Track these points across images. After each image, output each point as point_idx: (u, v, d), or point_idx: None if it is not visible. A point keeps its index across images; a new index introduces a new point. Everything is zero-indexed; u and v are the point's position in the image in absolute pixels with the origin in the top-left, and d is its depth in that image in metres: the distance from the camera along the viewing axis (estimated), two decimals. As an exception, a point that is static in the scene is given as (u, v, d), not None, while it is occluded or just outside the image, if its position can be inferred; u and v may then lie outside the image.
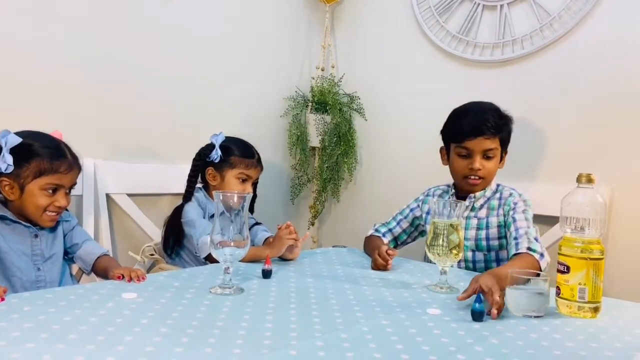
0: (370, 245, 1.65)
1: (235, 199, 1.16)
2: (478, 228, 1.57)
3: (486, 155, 1.54)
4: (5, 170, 1.25)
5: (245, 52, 2.31)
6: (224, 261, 1.15)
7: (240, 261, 1.26)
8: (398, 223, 1.76)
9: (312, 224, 2.57)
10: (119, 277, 1.18)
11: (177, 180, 2.06)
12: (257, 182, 1.81)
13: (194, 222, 1.60)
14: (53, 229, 1.38)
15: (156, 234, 1.95)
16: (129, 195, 1.90)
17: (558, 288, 1.12)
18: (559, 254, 1.12)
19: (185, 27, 2.07)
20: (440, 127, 1.67)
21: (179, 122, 2.08)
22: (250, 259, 1.40)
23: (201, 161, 1.72)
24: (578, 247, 1.09)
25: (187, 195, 1.71)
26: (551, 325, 1.02)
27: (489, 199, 1.59)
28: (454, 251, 1.25)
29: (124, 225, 1.95)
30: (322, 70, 2.54)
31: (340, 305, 1.09)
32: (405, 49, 2.35)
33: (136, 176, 1.93)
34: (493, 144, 1.54)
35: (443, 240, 1.25)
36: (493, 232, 1.55)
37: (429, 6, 2.24)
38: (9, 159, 1.25)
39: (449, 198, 1.64)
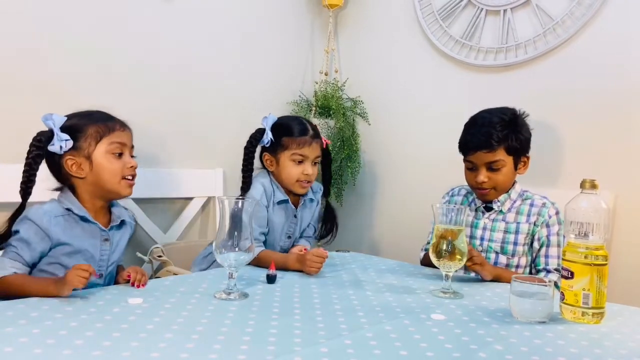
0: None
1: (240, 204, 1.17)
2: (506, 231, 1.56)
3: (491, 167, 1.52)
4: (65, 147, 1.20)
5: (249, 57, 2.32)
6: (229, 266, 1.16)
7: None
8: None
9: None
10: (128, 276, 1.20)
11: (181, 184, 2.07)
12: (328, 161, 1.69)
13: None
14: (122, 233, 1.32)
15: (161, 238, 1.96)
16: (134, 199, 1.91)
17: (562, 294, 1.12)
18: (563, 259, 1.13)
19: (188, 33, 2.08)
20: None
21: (182, 127, 2.09)
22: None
23: (253, 148, 1.59)
24: (582, 252, 1.09)
25: (245, 187, 1.59)
26: (555, 331, 1.02)
27: (515, 201, 1.58)
28: (458, 256, 1.25)
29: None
30: (326, 74, 2.55)
31: (344, 310, 1.10)
32: (409, 54, 2.35)
33: (141, 181, 1.93)
34: (495, 156, 1.50)
35: (447, 246, 1.25)
36: (522, 237, 1.54)
37: (432, 11, 2.25)
38: (64, 135, 1.20)
39: (474, 200, 1.63)
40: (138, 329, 0.92)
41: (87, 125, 1.24)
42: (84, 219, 1.23)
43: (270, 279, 1.31)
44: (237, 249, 1.15)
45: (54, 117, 1.21)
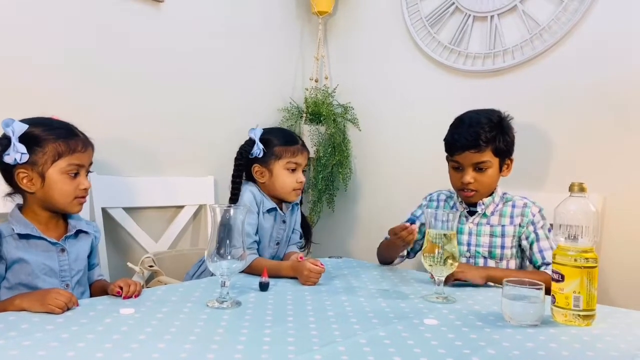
0: (387, 245, 1.66)
1: (231, 211, 1.17)
2: (492, 235, 1.56)
3: (478, 168, 1.53)
4: (20, 161, 1.16)
5: (239, 64, 2.32)
6: (221, 275, 1.16)
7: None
8: None
9: (308, 235, 2.57)
10: (118, 292, 1.17)
11: (172, 193, 2.07)
12: (306, 170, 1.72)
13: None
14: (82, 243, 1.30)
15: (151, 247, 1.95)
16: (125, 209, 1.90)
17: (553, 296, 1.12)
18: (553, 262, 1.13)
19: (178, 39, 2.08)
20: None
21: (173, 135, 2.08)
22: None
23: (243, 159, 1.62)
24: (572, 255, 1.10)
25: (233, 198, 1.61)
26: (547, 334, 1.03)
27: (497, 205, 1.59)
28: (449, 261, 1.26)
29: (120, 238, 1.94)
30: (316, 81, 2.56)
31: (338, 317, 1.10)
32: (398, 60, 2.37)
33: (132, 190, 1.93)
34: (483, 157, 1.52)
35: (439, 251, 1.26)
36: (508, 240, 1.55)
37: (420, 17, 2.27)
38: (22, 148, 1.16)
39: (455, 205, 1.64)
40: (130, 340, 0.91)
41: (47, 140, 1.20)
42: (27, 236, 1.20)
43: (263, 287, 1.31)
44: (229, 257, 1.15)
45: (14, 125, 1.17)
